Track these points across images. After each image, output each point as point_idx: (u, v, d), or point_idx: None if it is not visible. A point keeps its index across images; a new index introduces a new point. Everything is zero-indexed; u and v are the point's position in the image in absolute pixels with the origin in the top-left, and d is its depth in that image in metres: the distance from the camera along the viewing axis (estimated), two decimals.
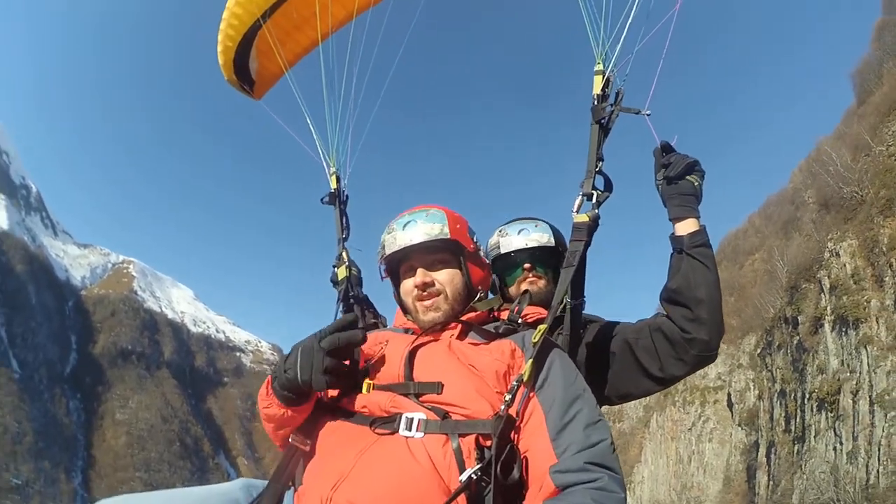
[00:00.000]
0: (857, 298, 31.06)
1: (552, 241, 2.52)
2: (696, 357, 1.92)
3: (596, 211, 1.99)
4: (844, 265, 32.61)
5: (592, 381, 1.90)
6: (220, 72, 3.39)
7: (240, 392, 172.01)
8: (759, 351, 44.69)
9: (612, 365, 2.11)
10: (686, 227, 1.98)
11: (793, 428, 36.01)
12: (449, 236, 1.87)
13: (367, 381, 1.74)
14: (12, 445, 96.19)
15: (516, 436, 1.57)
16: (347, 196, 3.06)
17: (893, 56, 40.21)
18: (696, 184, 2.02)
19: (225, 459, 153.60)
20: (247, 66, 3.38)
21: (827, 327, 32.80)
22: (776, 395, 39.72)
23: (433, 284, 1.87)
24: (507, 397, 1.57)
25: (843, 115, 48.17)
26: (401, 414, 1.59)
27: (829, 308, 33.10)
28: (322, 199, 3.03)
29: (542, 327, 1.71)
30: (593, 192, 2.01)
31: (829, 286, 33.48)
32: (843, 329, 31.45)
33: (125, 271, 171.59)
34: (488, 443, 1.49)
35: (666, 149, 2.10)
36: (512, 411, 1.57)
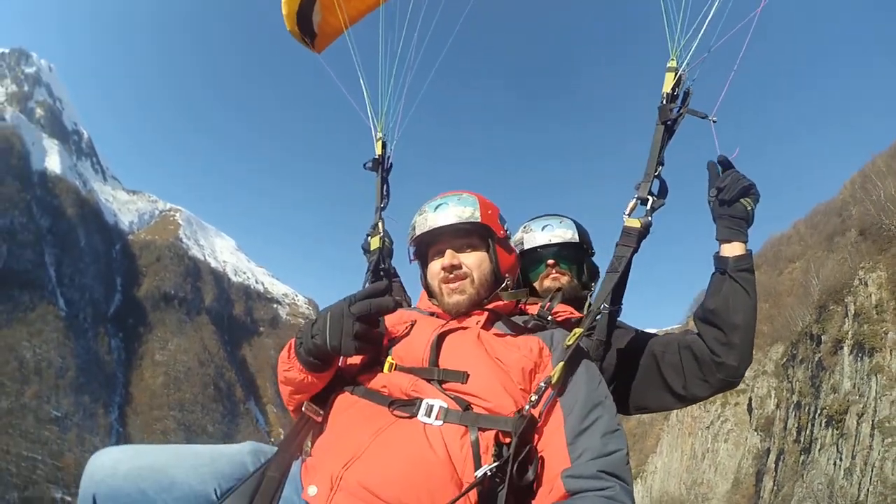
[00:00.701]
0: (875, 328, 32.09)
1: (576, 238, 2.52)
2: (721, 381, 1.90)
3: (649, 218, 1.95)
4: (870, 295, 33.50)
5: (615, 390, 1.98)
6: (277, 21, 3.33)
7: (274, 342, 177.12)
8: (783, 361, 45.24)
9: (636, 376, 2.09)
10: (732, 250, 1.93)
11: (802, 439, 37.04)
12: (480, 220, 1.87)
13: (389, 360, 1.72)
14: (55, 380, 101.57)
15: (535, 436, 1.54)
16: (392, 164, 2.96)
17: None
18: (749, 208, 1.95)
19: (255, 406, 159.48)
20: (310, 18, 3.31)
21: (845, 350, 33.87)
22: (792, 406, 40.53)
23: (460, 267, 1.86)
24: (533, 397, 1.53)
25: None
26: (421, 399, 1.55)
27: (850, 333, 34.01)
28: (365, 165, 2.94)
29: (578, 331, 1.69)
30: (649, 197, 1.96)
31: (853, 312, 34.23)
32: (859, 355, 32.62)
33: (171, 219, 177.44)
34: (507, 440, 1.45)
35: (724, 164, 2.01)
36: (535, 411, 1.53)
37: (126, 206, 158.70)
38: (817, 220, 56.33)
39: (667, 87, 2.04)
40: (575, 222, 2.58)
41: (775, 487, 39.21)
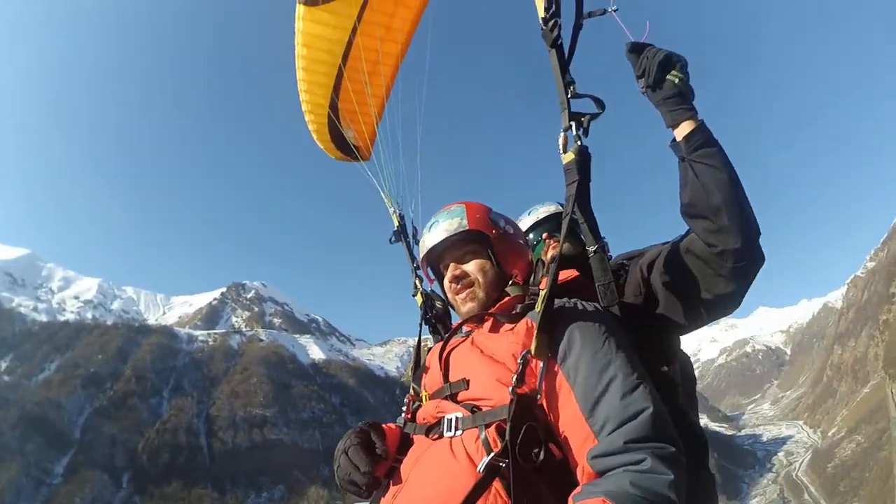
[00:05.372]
0: None
1: (559, 209, 2.72)
2: (735, 269, 1.73)
3: (578, 143, 1.77)
4: None
5: (652, 323, 1.89)
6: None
7: None
8: None
9: (659, 301, 1.94)
10: (682, 132, 1.76)
11: None
12: (468, 227, 1.93)
13: (423, 392, 1.87)
14: None
15: (546, 413, 1.55)
16: (415, 228, 3.11)
17: None
18: (676, 81, 1.78)
19: None
20: (343, 139, 3.74)
21: None
22: None
23: (466, 276, 1.93)
24: (515, 376, 1.55)
25: None
26: (444, 416, 1.67)
27: None
28: (390, 240, 3.10)
29: (542, 293, 1.64)
30: (571, 122, 1.80)
31: None
32: None
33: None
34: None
35: (636, 49, 1.86)
36: (527, 389, 1.56)
37: (385, 357, 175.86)
38: None
39: (540, 11, 1.87)
40: (559, 203, 2.72)
41: None
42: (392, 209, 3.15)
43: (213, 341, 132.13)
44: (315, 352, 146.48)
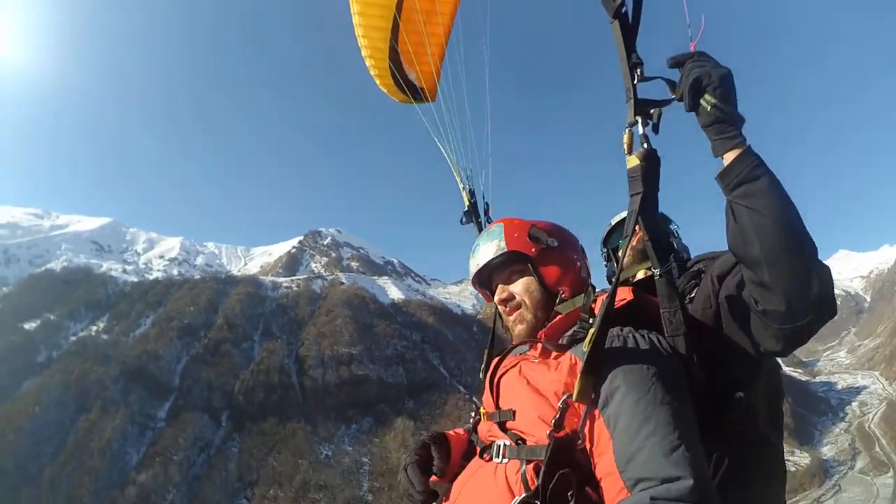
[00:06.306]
0: None
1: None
2: (782, 331, 1.47)
3: (644, 148, 1.55)
4: None
5: (725, 344, 1.65)
6: None
7: None
8: None
9: (723, 323, 1.68)
10: (724, 164, 1.49)
11: None
12: (506, 249, 1.87)
13: (482, 410, 1.86)
14: None
15: (585, 459, 1.49)
16: (488, 205, 2.90)
17: None
18: (708, 108, 1.48)
19: None
20: (409, 79, 3.60)
21: None
22: None
23: (513, 298, 1.88)
24: (554, 420, 1.50)
25: None
26: (495, 441, 1.70)
27: None
28: (461, 221, 2.88)
29: (592, 331, 1.50)
30: (637, 119, 1.57)
31: None
32: None
33: None
34: None
35: (679, 63, 1.56)
36: (568, 430, 1.50)
37: (461, 296, 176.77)
38: None
39: None
40: None
41: None
42: (462, 185, 2.95)
43: (296, 287, 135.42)
44: (394, 292, 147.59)
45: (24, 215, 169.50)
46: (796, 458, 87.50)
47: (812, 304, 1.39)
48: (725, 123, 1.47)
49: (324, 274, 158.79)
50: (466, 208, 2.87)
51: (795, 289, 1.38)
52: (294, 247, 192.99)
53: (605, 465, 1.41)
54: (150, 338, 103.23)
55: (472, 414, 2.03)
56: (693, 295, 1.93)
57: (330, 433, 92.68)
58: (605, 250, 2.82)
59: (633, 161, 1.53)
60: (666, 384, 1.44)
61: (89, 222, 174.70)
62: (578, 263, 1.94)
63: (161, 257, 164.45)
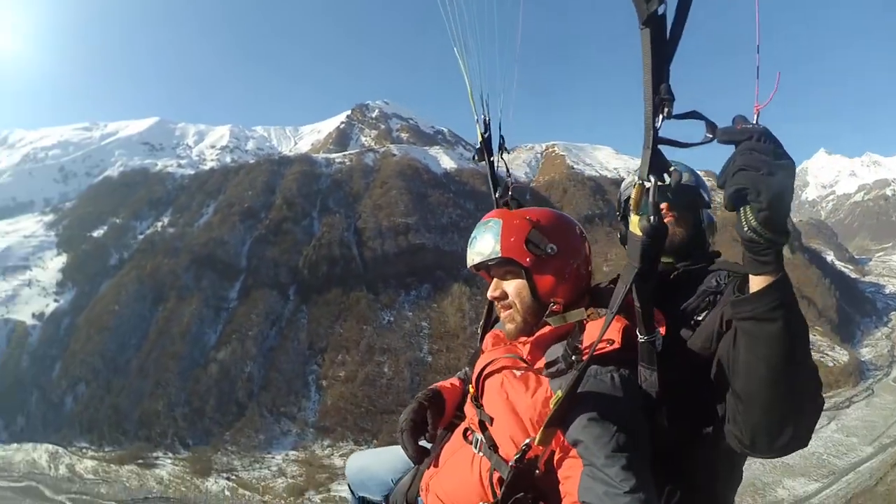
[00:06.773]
0: None
1: (692, 181, 2.13)
2: (743, 448, 1.44)
3: (650, 220, 1.33)
4: None
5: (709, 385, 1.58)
6: None
7: None
8: None
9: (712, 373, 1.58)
10: (751, 288, 1.32)
11: None
12: (500, 255, 1.76)
13: (470, 388, 1.93)
14: None
15: (547, 474, 1.57)
16: (503, 139, 2.42)
17: None
18: (745, 228, 1.22)
19: None
20: None
21: None
22: None
23: (505, 297, 1.84)
24: (516, 456, 1.56)
25: None
26: (474, 432, 1.81)
27: None
28: (473, 158, 2.59)
29: (558, 395, 1.48)
30: (651, 176, 1.30)
31: None
32: None
33: (553, 154, 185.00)
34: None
35: (730, 141, 1.23)
36: (532, 455, 1.56)
37: (513, 163, 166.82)
38: None
39: None
40: (692, 170, 2.14)
41: None
42: (476, 115, 2.39)
43: (349, 161, 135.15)
44: (446, 161, 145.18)
45: (73, 131, 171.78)
46: (835, 354, 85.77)
47: (777, 448, 1.35)
48: (761, 246, 1.23)
49: (375, 147, 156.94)
50: (479, 145, 2.43)
51: (763, 434, 1.34)
52: (342, 122, 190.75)
53: (569, 487, 1.45)
54: (213, 225, 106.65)
55: (466, 369, 2.22)
56: (702, 319, 1.78)
57: (391, 300, 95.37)
58: (619, 213, 2.36)
59: (637, 226, 1.34)
60: (629, 436, 1.43)
61: (137, 125, 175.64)
62: (578, 269, 1.83)
63: (213, 147, 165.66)
